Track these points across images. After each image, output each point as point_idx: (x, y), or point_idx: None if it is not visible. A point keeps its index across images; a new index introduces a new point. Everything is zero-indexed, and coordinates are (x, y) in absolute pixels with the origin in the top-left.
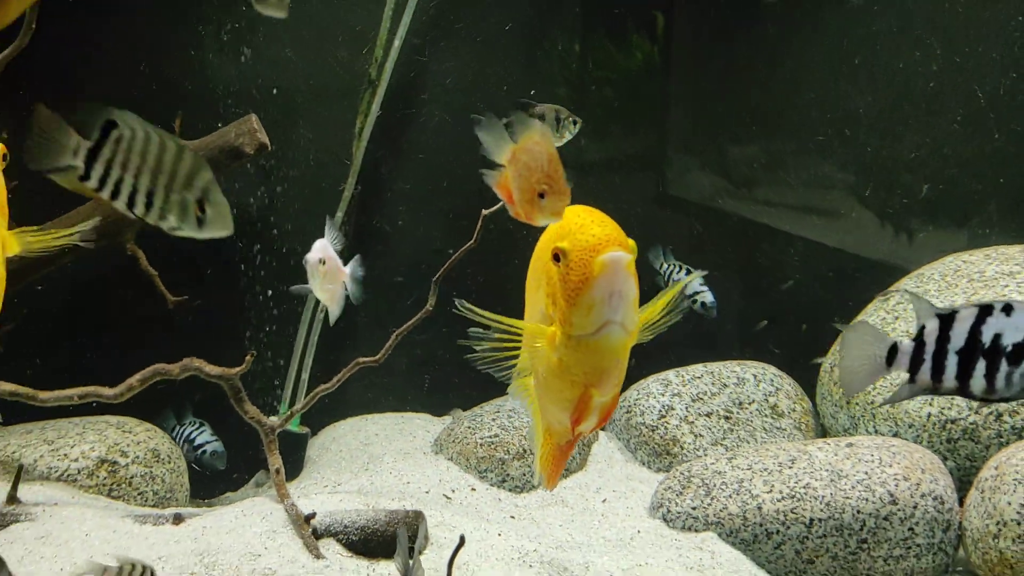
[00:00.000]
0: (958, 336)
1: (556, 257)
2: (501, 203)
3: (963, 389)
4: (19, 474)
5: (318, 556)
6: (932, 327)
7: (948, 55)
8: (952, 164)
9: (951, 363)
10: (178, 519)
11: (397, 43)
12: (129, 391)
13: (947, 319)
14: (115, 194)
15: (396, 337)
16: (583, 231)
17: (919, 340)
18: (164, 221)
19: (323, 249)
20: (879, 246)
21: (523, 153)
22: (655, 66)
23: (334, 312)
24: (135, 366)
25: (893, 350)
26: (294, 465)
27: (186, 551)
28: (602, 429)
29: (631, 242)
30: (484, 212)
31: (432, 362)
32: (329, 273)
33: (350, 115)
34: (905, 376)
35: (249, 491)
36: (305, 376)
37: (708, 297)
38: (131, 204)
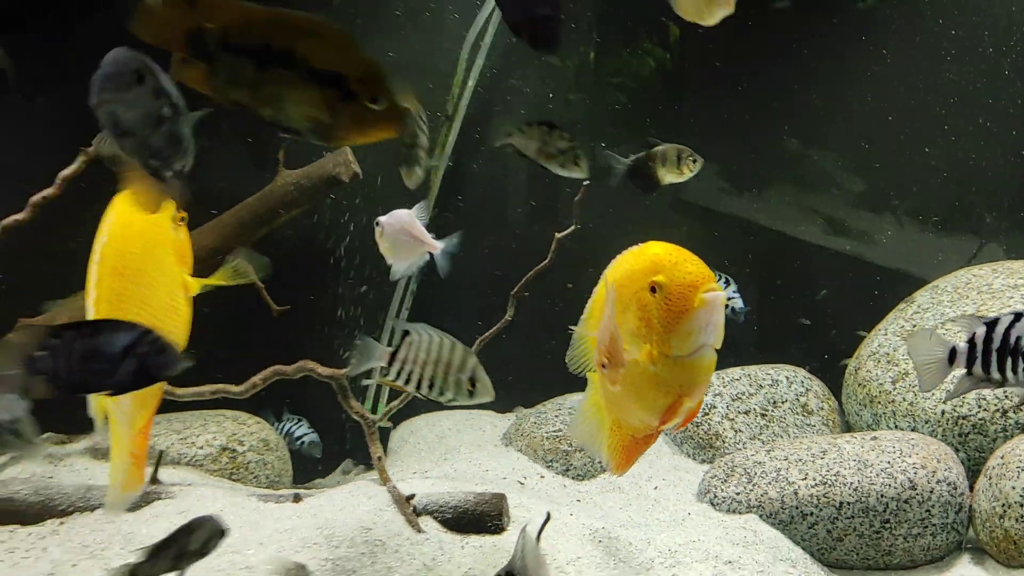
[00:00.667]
0: (997, 338)
1: (653, 289)
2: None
3: (1004, 381)
4: (160, 459)
5: (419, 530)
6: (980, 332)
7: (964, 86)
8: (965, 188)
9: (994, 360)
10: (297, 498)
11: (471, 83)
12: (253, 388)
13: (991, 325)
14: (407, 381)
15: (480, 343)
16: (678, 268)
17: (971, 342)
18: (442, 396)
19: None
20: (897, 260)
21: (600, 322)
22: (683, 77)
23: (395, 271)
24: (238, 367)
25: (953, 352)
26: None
27: (307, 525)
28: None
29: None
30: (557, 235)
31: (497, 364)
32: (401, 242)
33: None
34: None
35: (336, 477)
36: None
37: (739, 303)
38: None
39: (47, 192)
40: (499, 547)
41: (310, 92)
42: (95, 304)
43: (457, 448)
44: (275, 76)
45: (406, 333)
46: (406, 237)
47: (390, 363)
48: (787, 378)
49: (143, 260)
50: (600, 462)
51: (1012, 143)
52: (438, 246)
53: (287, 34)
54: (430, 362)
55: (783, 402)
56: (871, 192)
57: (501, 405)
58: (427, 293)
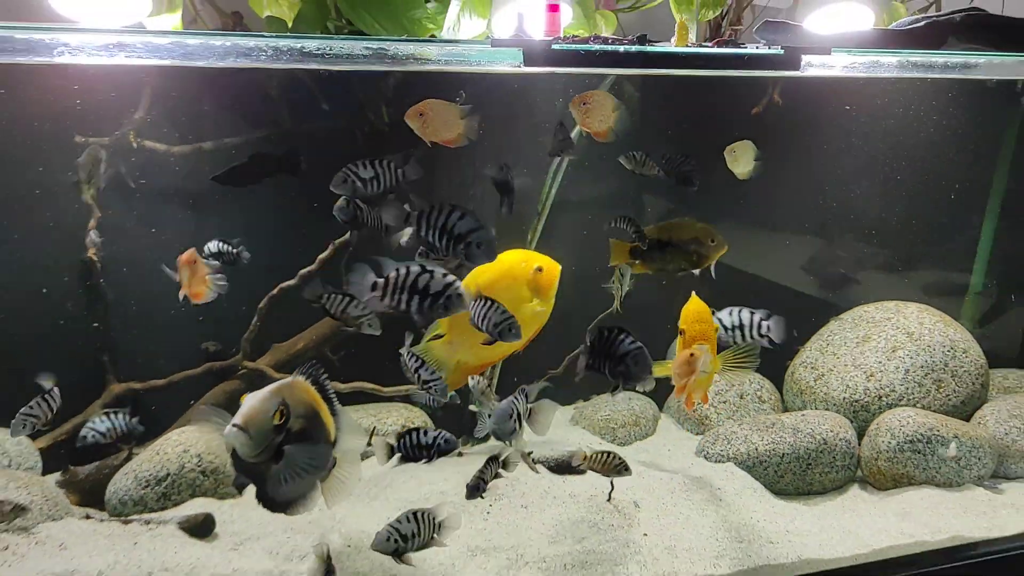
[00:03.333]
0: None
1: (681, 332)
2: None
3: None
4: (373, 433)
5: (536, 472)
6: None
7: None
8: (875, 243)
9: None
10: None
11: (553, 191)
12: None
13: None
14: None
15: (562, 366)
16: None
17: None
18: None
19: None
20: (819, 293)
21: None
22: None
23: None
24: None
25: None
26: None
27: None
28: (666, 410)
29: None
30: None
31: (563, 376)
32: None
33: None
34: None
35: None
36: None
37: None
38: None
39: (310, 268)
40: (581, 480)
41: (682, 252)
42: None
43: None
44: (667, 252)
45: None
46: None
47: None
48: (748, 379)
49: (498, 282)
50: (633, 435)
51: (922, 210)
52: None
53: (670, 231)
54: None
55: (747, 395)
56: (812, 242)
57: (563, 400)
58: None
